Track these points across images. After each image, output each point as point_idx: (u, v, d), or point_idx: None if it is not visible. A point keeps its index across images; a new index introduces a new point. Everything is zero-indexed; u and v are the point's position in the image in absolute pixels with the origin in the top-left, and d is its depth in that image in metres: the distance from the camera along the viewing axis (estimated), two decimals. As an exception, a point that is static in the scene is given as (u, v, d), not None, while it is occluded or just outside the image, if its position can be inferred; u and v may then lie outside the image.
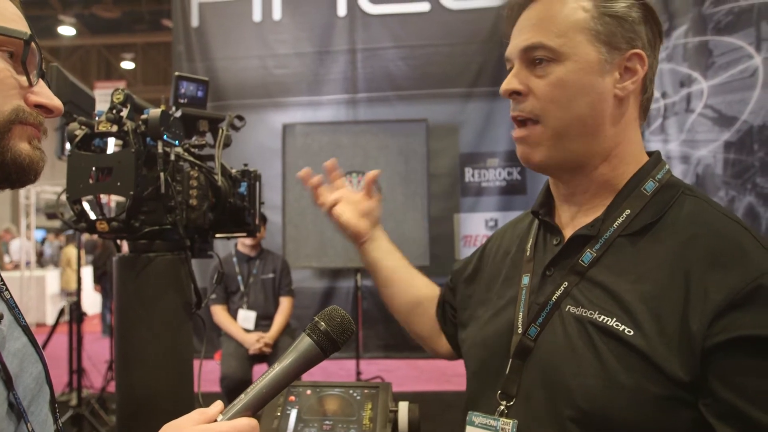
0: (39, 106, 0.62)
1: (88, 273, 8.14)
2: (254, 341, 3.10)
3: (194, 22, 4.65)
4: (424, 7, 4.50)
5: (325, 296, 4.53)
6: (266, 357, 3.14)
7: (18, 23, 0.60)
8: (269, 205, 4.51)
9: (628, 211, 0.76)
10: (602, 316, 0.71)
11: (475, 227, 4.47)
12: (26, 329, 0.62)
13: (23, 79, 0.60)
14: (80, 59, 12.92)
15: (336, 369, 4.93)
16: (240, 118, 1.32)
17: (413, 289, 1.10)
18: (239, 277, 3.28)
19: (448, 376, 4.59)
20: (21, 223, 8.92)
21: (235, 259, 3.33)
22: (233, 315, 3.26)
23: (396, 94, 4.56)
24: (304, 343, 0.66)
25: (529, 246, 0.87)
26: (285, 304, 3.32)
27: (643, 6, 0.77)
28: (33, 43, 0.60)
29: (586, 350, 0.71)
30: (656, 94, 2.88)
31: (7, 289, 0.63)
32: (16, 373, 0.57)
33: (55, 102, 0.63)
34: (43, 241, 11.15)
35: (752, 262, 0.65)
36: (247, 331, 3.19)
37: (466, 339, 0.93)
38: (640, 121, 0.81)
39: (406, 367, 5.01)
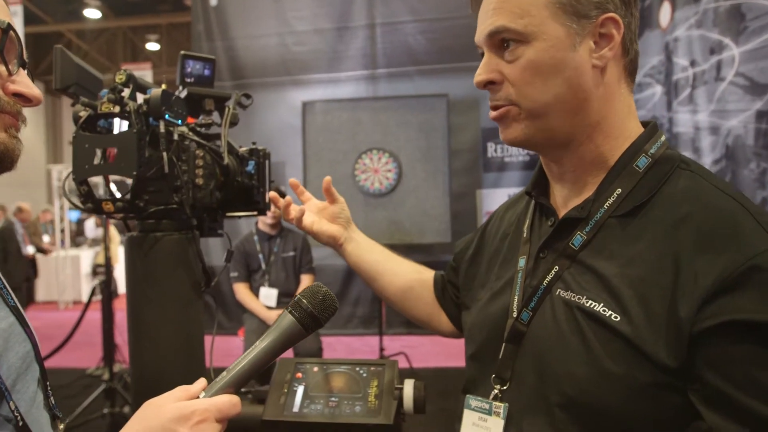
0: (18, 96, 0.61)
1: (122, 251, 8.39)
2: (276, 318, 3.15)
3: (213, 1, 4.64)
4: (443, -22, 4.40)
5: (347, 273, 4.56)
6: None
7: None
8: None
9: (619, 190, 0.72)
10: (590, 301, 0.69)
11: (498, 203, 4.38)
12: (15, 309, 0.63)
13: (2, 68, 0.60)
14: (106, 42, 13.07)
15: (360, 345, 4.98)
16: (247, 96, 1.31)
17: (400, 276, 1.10)
18: (260, 255, 3.32)
19: (472, 352, 4.59)
20: (55, 205, 9.19)
21: (256, 238, 3.37)
22: (255, 293, 3.31)
23: (416, 68, 4.50)
24: (286, 320, 0.67)
25: (526, 227, 0.85)
26: (306, 281, 3.35)
27: None
28: (12, 32, 0.60)
29: (573, 336, 0.69)
30: (685, 62, 2.76)
31: None
32: (0, 352, 0.58)
33: (34, 91, 0.62)
34: (79, 222, 11.47)
35: (746, 242, 0.62)
36: (269, 308, 3.24)
37: (467, 321, 0.92)
38: (628, 86, 0.76)
39: (430, 344, 5.03)
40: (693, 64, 2.69)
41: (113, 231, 7.89)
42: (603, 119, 0.73)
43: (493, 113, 0.76)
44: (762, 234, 0.62)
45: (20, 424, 0.57)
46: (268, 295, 3.25)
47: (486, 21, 0.74)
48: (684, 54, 2.79)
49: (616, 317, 0.66)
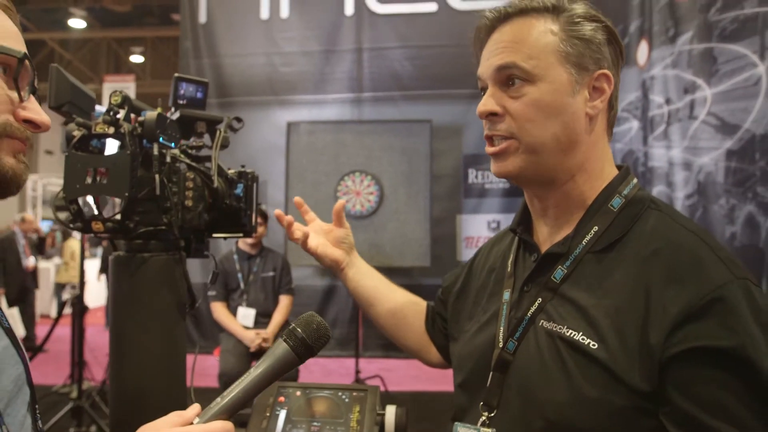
0: (28, 122, 0.63)
1: (92, 265, 8.21)
2: (253, 338, 3.12)
3: (202, 18, 4.67)
4: (432, 7, 4.50)
5: (325, 295, 4.54)
6: (264, 354, 3.16)
7: (14, 41, 0.62)
8: (273, 203, 4.54)
9: (596, 228, 0.78)
10: (570, 331, 0.73)
11: (478, 228, 4.48)
12: (8, 331, 0.63)
13: (14, 94, 0.62)
14: (90, 52, 12.98)
15: (336, 367, 4.94)
16: (238, 119, 1.33)
17: (397, 305, 1.13)
18: (239, 275, 3.30)
19: (448, 376, 4.59)
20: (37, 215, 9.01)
21: (236, 257, 3.35)
22: (233, 312, 3.28)
23: (401, 94, 4.57)
24: (280, 348, 0.68)
25: (510, 262, 0.89)
26: (284, 302, 3.34)
27: (606, 28, 0.79)
28: (27, 61, 0.61)
29: (554, 364, 0.73)
30: (660, 99, 2.87)
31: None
32: None
33: (44, 118, 0.64)
34: (49, 234, 11.23)
35: (707, 276, 0.68)
36: (247, 328, 3.21)
37: (455, 352, 0.95)
38: (608, 136, 0.84)
39: (406, 367, 5.01)
40: (668, 101, 2.79)
41: (75, 245, 7.61)
42: (587, 161, 0.80)
43: (491, 149, 0.82)
44: (722, 267, 0.69)
45: None
46: (246, 315, 3.23)
47: (495, 56, 0.79)
48: (660, 92, 2.91)
49: (594, 345, 0.71)
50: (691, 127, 2.53)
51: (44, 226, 10.35)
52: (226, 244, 3.96)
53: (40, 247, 6.63)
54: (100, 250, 10.63)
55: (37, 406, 0.66)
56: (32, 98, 0.64)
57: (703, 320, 0.66)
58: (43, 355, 4.09)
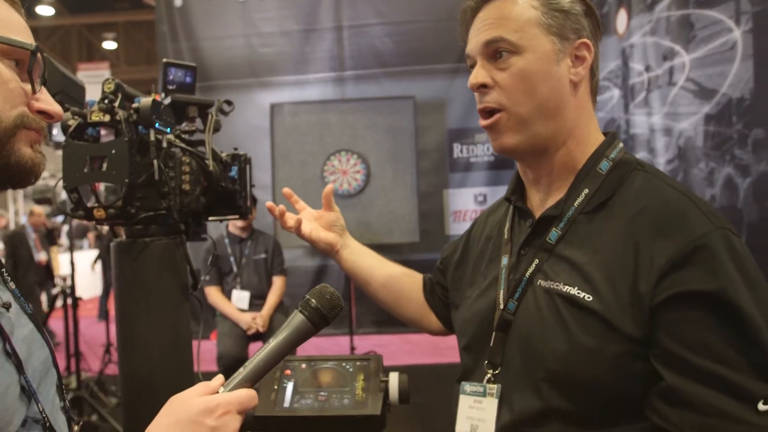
0: (41, 112, 0.65)
1: (84, 257, 8.14)
2: (249, 320, 3.16)
3: (177, 1, 4.59)
4: (409, -18, 4.48)
5: (317, 274, 4.58)
6: (261, 335, 3.20)
7: (24, 34, 0.64)
8: (259, 185, 4.51)
9: (587, 190, 0.83)
10: (566, 287, 0.78)
11: (465, 202, 4.53)
12: (32, 317, 0.65)
13: (28, 86, 0.64)
14: (60, 40, 12.66)
15: (330, 345, 5.01)
16: (228, 102, 1.34)
17: (392, 279, 1.17)
18: (232, 258, 3.32)
19: (441, 349, 4.69)
20: (9, 209, 8.87)
21: (227, 241, 3.36)
22: (227, 295, 3.30)
23: (383, 71, 4.56)
24: (297, 319, 0.71)
25: (506, 229, 0.94)
26: (278, 283, 3.37)
27: (583, 1, 0.84)
28: (39, 55, 0.63)
29: (553, 318, 0.78)
30: (640, 67, 2.91)
31: (12, 280, 0.66)
32: (25, 357, 0.61)
33: (56, 108, 0.66)
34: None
35: (691, 227, 0.73)
36: (242, 310, 3.24)
37: (458, 318, 0.99)
38: (593, 104, 0.88)
39: (399, 342, 5.10)
40: (648, 69, 2.83)
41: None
42: (575, 127, 0.85)
43: (484, 122, 0.86)
44: (704, 220, 0.74)
45: (47, 424, 0.60)
46: (241, 297, 3.25)
47: (482, 33, 0.84)
48: (639, 59, 2.94)
49: (588, 297, 0.76)
50: (671, 94, 2.58)
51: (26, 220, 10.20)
52: (216, 229, 3.96)
53: (50, 239, 6.46)
54: (85, 242, 10.54)
55: (64, 388, 0.69)
56: (44, 89, 0.65)
57: (687, 267, 0.71)
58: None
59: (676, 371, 0.70)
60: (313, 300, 0.72)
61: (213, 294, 3.28)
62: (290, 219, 1.17)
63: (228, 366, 2.98)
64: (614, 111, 3.31)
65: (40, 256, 6.24)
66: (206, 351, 3.85)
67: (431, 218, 4.42)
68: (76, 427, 0.70)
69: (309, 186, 4.27)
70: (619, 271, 0.75)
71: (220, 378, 0.69)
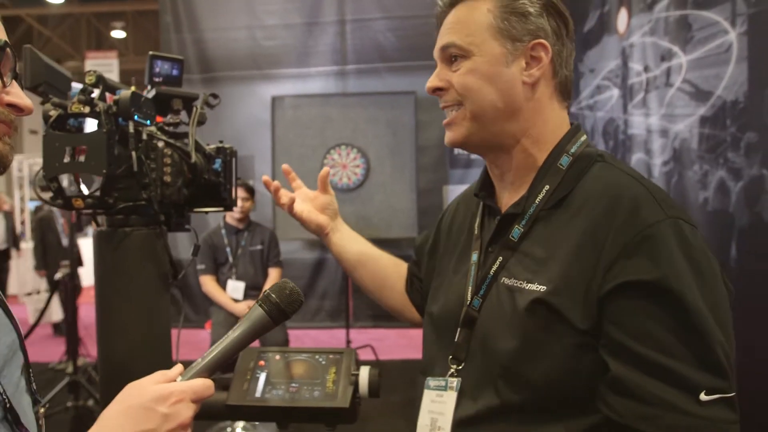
0: (12, 106, 0.66)
1: (87, 244, 8.21)
2: (244, 310, 3.19)
3: (182, -8, 4.60)
4: (413, -24, 4.46)
5: (315, 267, 4.61)
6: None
7: None
8: (259, 178, 4.55)
9: (547, 186, 0.84)
10: (526, 284, 0.80)
11: (464, 199, 4.52)
12: (1, 302, 0.67)
13: None
14: (69, 29, 12.70)
15: (327, 338, 5.04)
16: (214, 96, 1.35)
17: (379, 267, 1.19)
18: (228, 249, 3.35)
19: (437, 344, 4.71)
20: (15, 196, 8.96)
21: (223, 231, 3.39)
22: (222, 286, 3.33)
23: (385, 65, 4.56)
24: (256, 312, 0.73)
25: (476, 225, 0.95)
26: (273, 274, 3.40)
27: (542, 1, 0.85)
28: (8, 49, 0.64)
29: (510, 315, 0.80)
30: (639, 67, 2.90)
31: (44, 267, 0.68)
32: None
33: (26, 102, 0.67)
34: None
35: (641, 216, 0.74)
36: (236, 301, 3.27)
37: (427, 310, 1.00)
38: (559, 101, 0.88)
39: (396, 336, 5.12)
40: (646, 69, 2.82)
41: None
42: (531, 127, 0.86)
43: (445, 120, 0.89)
44: (656, 208, 0.74)
45: (7, 405, 0.61)
46: (236, 287, 3.28)
47: (441, 38, 0.87)
48: (638, 59, 2.93)
49: (542, 288, 0.77)
50: (668, 95, 2.57)
51: (32, 206, 10.30)
52: (214, 220, 3.99)
53: (78, 225, 6.42)
54: (90, 230, 10.63)
55: (30, 371, 0.71)
56: (14, 83, 0.67)
57: (632, 257, 0.72)
58: (38, 333, 4.14)
59: (621, 361, 0.71)
60: (273, 295, 0.74)
61: (208, 283, 3.31)
62: (284, 196, 1.20)
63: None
64: (613, 111, 3.30)
65: (66, 242, 6.23)
66: (202, 340, 3.88)
67: (430, 214, 4.43)
68: (41, 410, 0.72)
69: (309, 179, 4.21)
70: (575, 265, 0.76)
71: (179, 367, 0.71)
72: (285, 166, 1.27)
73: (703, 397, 0.68)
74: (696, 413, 0.68)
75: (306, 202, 1.21)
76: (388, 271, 1.19)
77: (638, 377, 0.70)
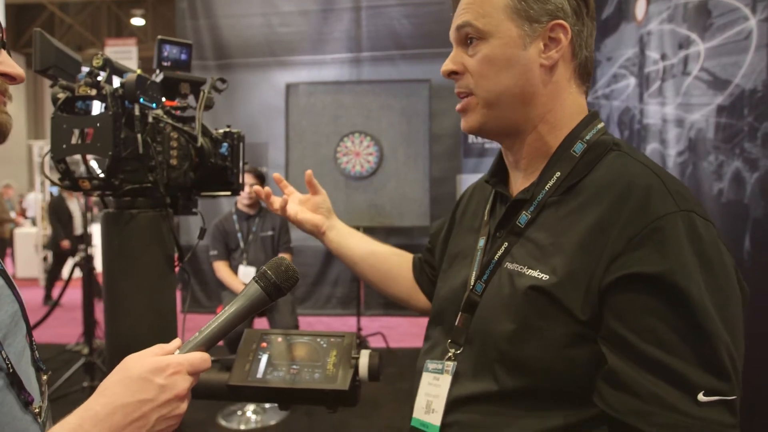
0: (3, 75, 0.67)
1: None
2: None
3: (197, -22, 4.61)
4: (430, -37, 4.42)
5: (327, 255, 4.63)
6: (265, 310, 3.26)
7: None
8: (273, 164, 4.58)
9: (558, 173, 0.82)
10: (529, 270, 0.78)
11: (477, 188, 4.49)
12: (2, 273, 0.69)
13: None
14: (90, 16, 12.83)
15: (339, 326, 5.08)
16: (222, 80, 1.36)
17: (379, 258, 1.19)
18: (239, 234, 3.38)
19: (448, 333, 4.72)
20: (36, 180, 9.12)
21: (235, 217, 3.42)
22: (234, 271, 3.37)
23: (400, 53, 4.53)
24: (252, 289, 0.74)
25: (486, 211, 0.95)
26: (281, 259, 3.43)
27: None
28: None
29: (510, 300, 0.79)
30: (656, 55, 2.85)
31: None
32: None
33: (17, 70, 0.68)
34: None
35: (652, 208, 0.71)
36: (248, 286, 3.31)
37: (435, 294, 1.01)
38: (578, 85, 0.85)
39: (407, 324, 5.14)
40: (663, 57, 2.77)
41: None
42: (549, 112, 0.84)
43: (458, 106, 0.87)
44: (668, 200, 0.72)
45: (11, 371, 0.63)
46: (247, 273, 3.32)
47: (456, 18, 0.85)
48: (656, 47, 2.87)
49: (545, 277, 0.76)
50: (684, 83, 2.52)
51: (54, 191, 10.48)
52: (226, 206, 4.03)
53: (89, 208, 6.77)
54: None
55: (33, 340, 0.73)
56: (3, 52, 0.67)
57: (638, 249, 0.69)
58: (56, 315, 4.23)
59: (619, 354, 0.70)
60: (269, 272, 0.74)
61: (221, 269, 3.35)
62: (276, 201, 1.23)
63: (232, 339, 3.05)
64: (629, 100, 3.25)
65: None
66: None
67: (443, 203, 4.41)
68: (44, 377, 0.74)
69: (323, 167, 4.30)
70: (579, 254, 0.74)
71: (177, 341, 0.72)
72: (276, 175, 1.29)
73: (701, 397, 0.66)
74: (693, 413, 0.66)
75: (298, 204, 1.23)
76: (391, 262, 1.19)
77: (635, 372, 0.68)
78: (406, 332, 5.01)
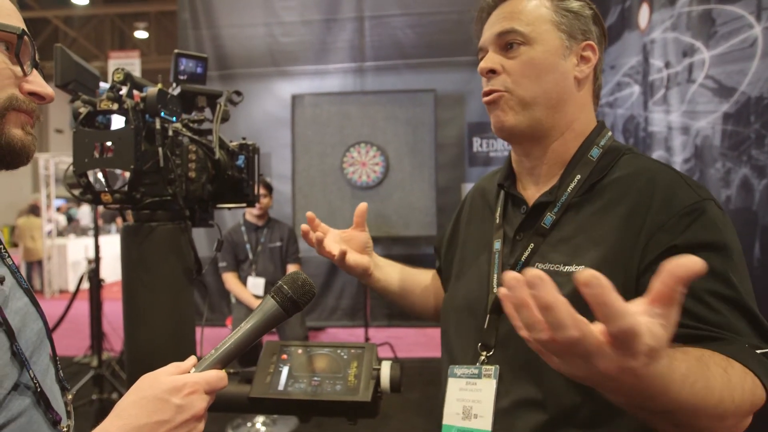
0: (33, 94, 0.67)
1: (111, 241, 8.35)
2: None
3: (200, -11, 4.64)
4: (433, -27, 4.45)
5: (332, 266, 4.62)
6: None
7: (13, 18, 0.66)
8: (277, 175, 4.58)
9: (579, 176, 0.87)
10: (564, 266, 0.81)
11: (482, 197, 4.50)
12: (28, 291, 0.69)
13: (18, 69, 0.66)
14: (94, 29, 12.92)
15: (346, 337, 5.07)
16: (238, 93, 1.37)
17: (424, 286, 1.18)
18: (248, 246, 3.38)
19: (454, 342, 4.71)
20: (42, 193, 9.14)
21: (243, 228, 3.43)
22: (243, 282, 3.37)
23: (404, 62, 4.55)
24: (269, 304, 0.73)
25: (497, 214, 0.96)
26: (292, 270, 3.43)
27: (592, 8, 0.90)
28: (26, 37, 0.66)
29: None
30: (660, 63, 2.86)
31: (9, 256, 0.70)
32: (19, 327, 0.64)
33: (47, 90, 0.68)
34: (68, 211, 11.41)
35: (679, 198, 0.77)
36: (257, 297, 3.31)
37: (446, 300, 1.01)
38: (593, 104, 0.93)
39: (415, 335, 5.13)
40: (668, 65, 2.78)
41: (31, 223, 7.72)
42: (575, 121, 0.89)
43: (486, 98, 0.90)
44: (690, 191, 0.78)
45: (38, 390, 0.63)
46: (256, 284, 3.32)
47: (496, 25, 0.89)
48: (660, 55, 2.89)
49: (578, 268, 0.78)
50: (689, 91, 2.53)
51: (58, 204, 10.51)
52: (233, 217, 4.03)
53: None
54: (113, 227, 10.81)
55: (57, 359, 0.73)
56: (35, 72, 0.68)
57: (677, 226, 0.75)
58: (64, 328, 4.23)
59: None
60: (286, 286, 0.74)
61: (230, 280, 3.35)
62: (332, 247, 1.05)
63: (241, 351, 3.05)
64: (634, 108, 3.26)
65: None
66: (223, 337, 3.94)
67: (449, 212, 4.39)
68: (69, 396, 0.74)
69: (329, 177, 4.31)
70: (614, 244, 0.78)
71: (192, 359, 0.71)
72: (309, 213, 1.10)
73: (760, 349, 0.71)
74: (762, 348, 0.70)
75: (341, 243, 1.07)
76: (433, 289, 1.17)
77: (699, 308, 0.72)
78: (413, 342, 5.00)
